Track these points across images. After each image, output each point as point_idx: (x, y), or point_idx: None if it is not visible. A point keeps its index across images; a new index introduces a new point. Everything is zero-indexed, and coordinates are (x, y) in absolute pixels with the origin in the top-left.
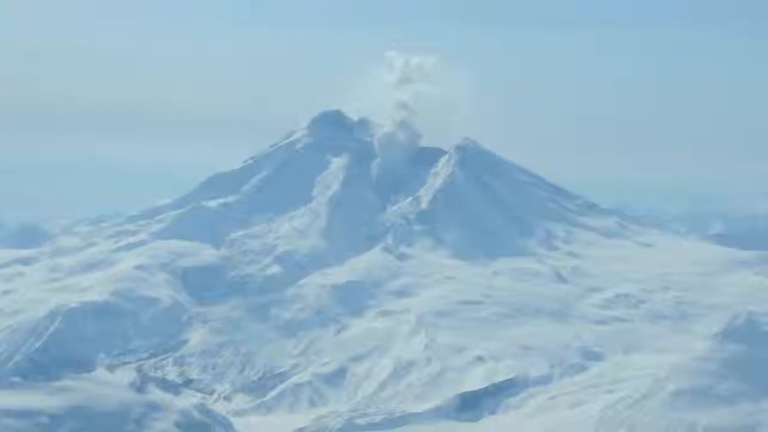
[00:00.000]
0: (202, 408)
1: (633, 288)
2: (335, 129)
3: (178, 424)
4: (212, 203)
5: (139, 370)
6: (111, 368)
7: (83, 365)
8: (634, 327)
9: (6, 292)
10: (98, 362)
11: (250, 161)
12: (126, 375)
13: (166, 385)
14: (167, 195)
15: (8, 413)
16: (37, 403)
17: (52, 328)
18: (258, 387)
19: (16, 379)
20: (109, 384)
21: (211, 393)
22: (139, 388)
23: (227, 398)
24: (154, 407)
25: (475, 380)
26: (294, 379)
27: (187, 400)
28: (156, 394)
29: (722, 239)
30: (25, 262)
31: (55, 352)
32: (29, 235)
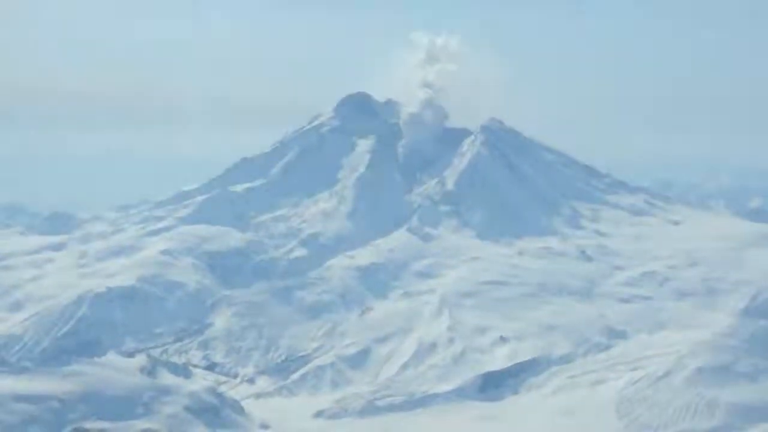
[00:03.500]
0: (212, 391)
1: (659, 266)
2: (361, 111)
3: (187, 408)
4: (239, 188)
5: (149, 354)
6: (136, 352)
7: (96, 350)
8: (660, 305)
9: (35, 278)
10: (124, 347)
11: (277, 145)
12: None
13: (177, 368)
14: (195, 180)
15: (19, 398)
16: (48, 387)
17: (79, 314)
18: (281, 369)
19: (28, 364)
20: (119, 368)
21: (235, 376)
22: (150, 372)
23: (250, 381)
24: (164, 391)
25: (498, 360)
26: (317, 362)
27: (198, 384)
28: (166, 377)
29: (757, 215)
30: (55, 248)
31: (82, 337)
32: (60, 222)
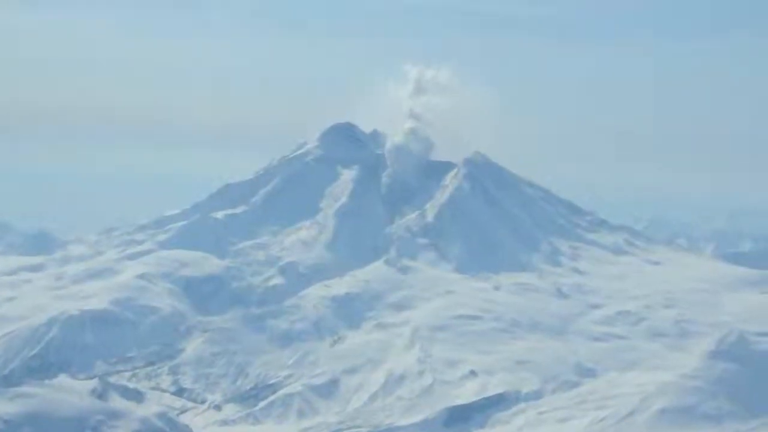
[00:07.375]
0: (163, 416)
1: (634, 305)
2: (346, 141)
3: None
4: (220, 214)
5: (101, 377)
6: (106, 375)
7: (64, 372)
8: (633, 344)
9: (11, 299)
10: (95, 370)
11: (261, 172)
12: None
13: (129, 392)
14: (179, 205)
15: None
16: None
17: (49, 335)
18: (249, 397)
19: None
20: (69, 391)
21: (203, 402)
22: (100, 395)
23: (217, 408)
24: (113, 415)
25: (466, 394)
26: (285, 390)
27: (150, 409)
28: (117, 401)
29: (742, 258)
30: (34, 269)
31: (51, 359)
32: (41, 243)
